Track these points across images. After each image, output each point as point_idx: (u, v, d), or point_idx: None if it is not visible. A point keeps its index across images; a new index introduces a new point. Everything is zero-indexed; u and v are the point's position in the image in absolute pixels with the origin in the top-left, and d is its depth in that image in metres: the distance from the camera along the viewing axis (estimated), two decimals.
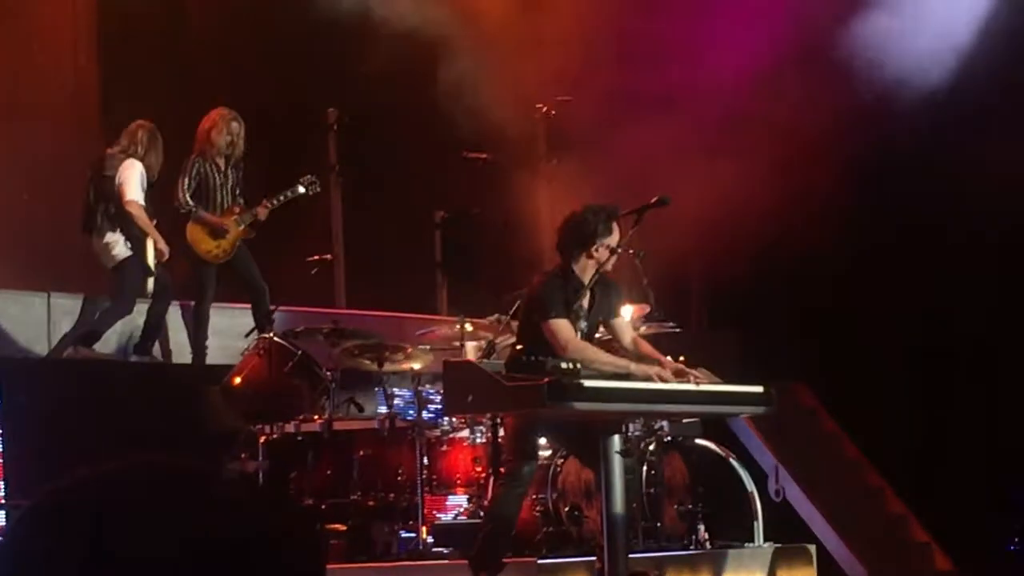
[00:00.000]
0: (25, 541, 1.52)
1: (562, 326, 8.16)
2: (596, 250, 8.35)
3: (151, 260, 11.28)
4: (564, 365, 7.87)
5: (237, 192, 11.85)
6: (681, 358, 8.39)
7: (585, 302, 8.41)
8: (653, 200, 8.69)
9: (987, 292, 13.14)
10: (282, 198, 11.88)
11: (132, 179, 11.23)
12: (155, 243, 11.29)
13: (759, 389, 8.47)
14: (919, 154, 12.79)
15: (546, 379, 7.60)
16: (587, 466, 8.97)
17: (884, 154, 12.92)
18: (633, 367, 8.12)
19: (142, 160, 11.31)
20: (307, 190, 12.00)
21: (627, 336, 8.67)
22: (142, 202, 11.25)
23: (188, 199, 11.68)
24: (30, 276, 11.68)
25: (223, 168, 11.80)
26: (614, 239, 8.38)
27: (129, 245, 11.27)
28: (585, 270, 8.38)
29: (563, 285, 8.34)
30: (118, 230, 11.26)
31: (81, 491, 1.55)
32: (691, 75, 12.59)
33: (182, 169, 11.74)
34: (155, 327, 11.54)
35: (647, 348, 8.57)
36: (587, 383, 7.66)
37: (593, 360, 8.15)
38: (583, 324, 8.36)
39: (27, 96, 12.76)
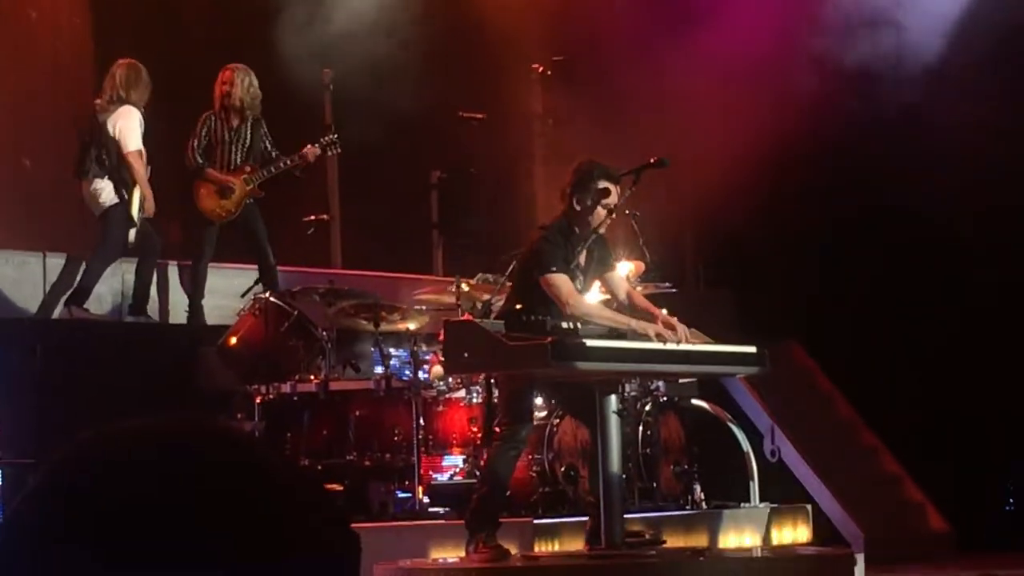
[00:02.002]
0: (43, 508, 1.49)
1: (563, 280, 8.11)
2: (594, 205, 8.29)
3: (135, 211, 11.16)
4: (565, 324, 7.86)
5: (250, 151, 11.71)
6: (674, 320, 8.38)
7: (582, 259, 8.38)
8: (652, 160, 8.65)
9: (982, 250, 13.14)
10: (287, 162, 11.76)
11: (131, 128, 11.08)
12: (144, 197, 11.17)
13: (752, 349, 8.46)
14: (914, 116, 12.77)
15: (550, 339, 7.58)
16: (584, 425, 8.96)
17: (882, 113, 12.89)
18: (633, 323, 8.10)
19: (132, 102, 11.14)
20: (327, 151, 11.98)
21: (622, 290, 8.64)
22: (142, 149, 11.09)
23: (197, 157, 11.60)
24: (26, 236, 11.65)
25: (236, 126, 11.67)
26: (611, 199, 8.33)
27: (116, 194, 11.15)
28: (584, 226, 8.33)
29: (563, 241, 8.29)
30: (106, 177, 11.12)
31: (101, 453, 1.52)
32: (688, 37, 12.56)
33: (204, 124, 11.65)
34: (145, 286, 11.43)
35: (642, 302, 8.54)
36: (590, 343, 7.64)
37: (594, 315, 8.12)
38: (579, 282, 8.32)
39: (22, 56, 12.71)
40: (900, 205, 13.18)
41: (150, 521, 1.42)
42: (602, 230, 8.39)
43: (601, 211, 8.30)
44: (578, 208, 8.31)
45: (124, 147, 11.05)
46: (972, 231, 12.96)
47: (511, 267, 9.43)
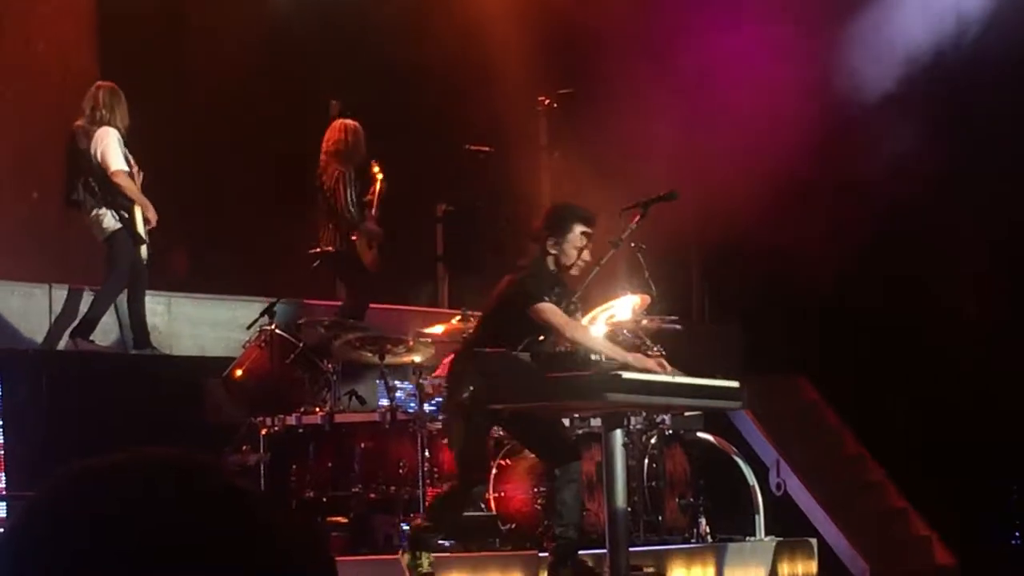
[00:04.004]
0: (25, 536, 1.51)
1: (555, 309, 8.15)
2: (565, 248, 8.33)
3: (141, 228, 11.11)
4: (594, 357, 7.88)
5: None
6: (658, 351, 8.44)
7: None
8: (661, 194, 8.69)
9: (989, 287, 13.13)
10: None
11: (112, 148, 10.97)
12: (143, 210, 11.12)
13: (734, 384, 8.51)
14: (919, 147, 12.79)
15: (589, 371, 7.62)
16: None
17: (886, 146, 12.91)
18: (629, 357, 8.13)
19: (113, 124, 11.06)
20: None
21: None
22: (126, 168, 11.04)
23: (354, 210, 11.65)
24: (32, 267, 11.65)
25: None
26: (588, 242, 8.41)
27: (117, 217, 11.11)
28: (561, 268, 8.42)
29: (549, 279, 8.35)
30: (103, 204, 11.10)
31: (82, 484, 1.54)
32: (692, 69, 12.60)
33: (346, 181, 11.64)
34: (142, 317, 11.30)
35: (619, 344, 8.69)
36: (625, 375, 7.67)
37: (590, 342, 8.16)
38: None
39: (30, 89, 12.75)
40: (909, 238, 13.19)
41: (132, 549, 1.44)
42: (575, 272, 8.45)
43: (574, 254, 8.36)
44: (554, 252, 8.37)
45: (107, 168, 10.99)
46: (989, 264, 12.98)
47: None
